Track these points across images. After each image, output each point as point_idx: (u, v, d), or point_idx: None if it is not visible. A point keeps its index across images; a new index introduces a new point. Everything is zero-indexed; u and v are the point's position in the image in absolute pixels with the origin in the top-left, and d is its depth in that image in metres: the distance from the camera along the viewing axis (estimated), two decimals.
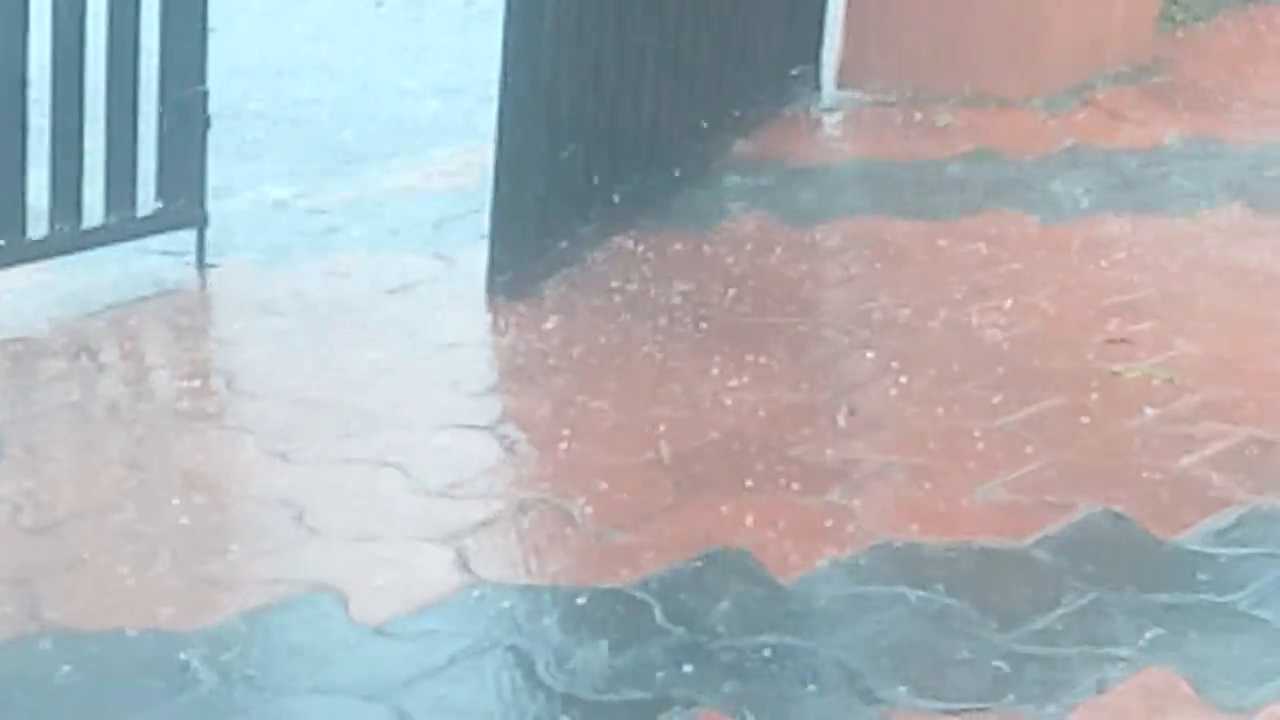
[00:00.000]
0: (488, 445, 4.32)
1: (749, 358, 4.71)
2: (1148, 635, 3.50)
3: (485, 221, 5.19)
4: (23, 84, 4.86)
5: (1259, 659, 3.43)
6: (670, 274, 5.25)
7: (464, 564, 3.75)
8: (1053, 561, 3.77)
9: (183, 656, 3.45)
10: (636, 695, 3.33)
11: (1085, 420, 4.38)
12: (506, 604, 3.63)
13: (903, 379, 4.60)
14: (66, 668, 3.44)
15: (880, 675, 3.39)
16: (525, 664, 3.42)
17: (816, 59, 6.79)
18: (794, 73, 6.65)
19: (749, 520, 3.93)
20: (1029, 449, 4.23)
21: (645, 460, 4.19)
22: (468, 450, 4.28)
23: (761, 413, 4.42)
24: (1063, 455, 4.20)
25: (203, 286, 5.25)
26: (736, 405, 4.46)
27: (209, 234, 5.33)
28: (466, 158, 6.20)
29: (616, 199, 5.51)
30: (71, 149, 4.98)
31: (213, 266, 5.31)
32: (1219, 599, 3.62)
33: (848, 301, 5.16)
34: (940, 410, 4.44)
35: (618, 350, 4.78)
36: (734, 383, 4.57)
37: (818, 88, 6.77)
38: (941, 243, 5.50)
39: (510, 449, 4.29)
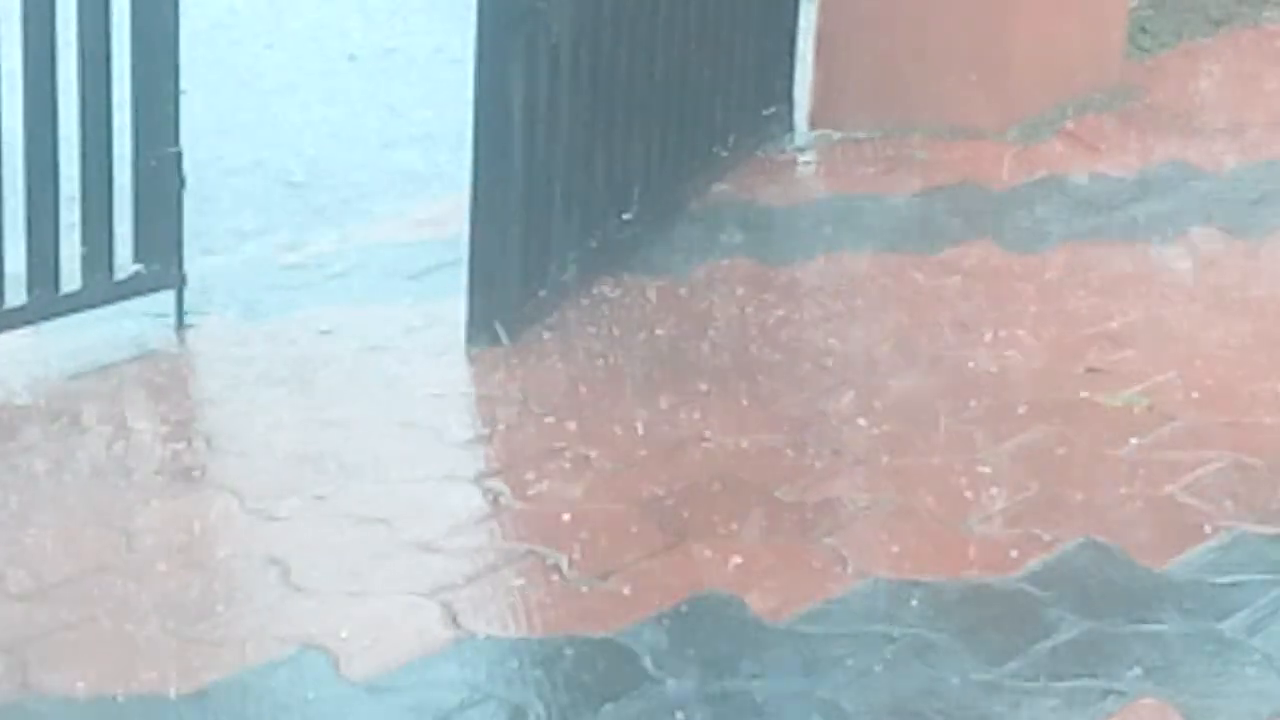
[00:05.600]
0: (471, 496, 4.31)
1: (731, 401, 4.72)
2: (1138, 666, 3.51)
3: (464, 271, 5.20)
4: None
5: (1250, 686, 3.44)
6: (650, 319, 5.25)
7: (452, 618, 3.75)
8: (1041, 594, 3.78)
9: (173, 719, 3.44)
10: None
11: (1069, 451, 4.39)
12: (496, 657, 3.62)
13: (885, 416, 4.61)
14: None
15: (873, 714, 3.39)
16: (518, 716, 3.42)
17: (789, 99, 6.81)
18: (767, 113, 6.66)
19: (735, 563, 3.93)
20: (1013, 482, 4.23)
21: (630, 506, 4.19)
22: (452, 502, 4.28)
23: (745, 455, 4.42)
24: (1047, 487, 4.21)
25: (182, 347, 5.25)
26: (720, 448, 4.47)
27: (188, 293, 5.33)
28: (444, 207, 6.20)
29: (593, 245, 5.52)
30: (47, 214, 4.98)
31: (192, 326, 5.31)
32: (1208, 627, 3.63)
33: (828, 340, 5.17)
34: (923, 446, 4.45)
35: (599, 397, 4.79)
36: (716, 425, 4.57)
37: (790, 128, 6.78)
38: (919, 277, 5.51)
39: (494, 500, 4.29)
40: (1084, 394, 4.68)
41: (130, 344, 5.22)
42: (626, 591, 3.83)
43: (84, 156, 5.07)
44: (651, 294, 5.43)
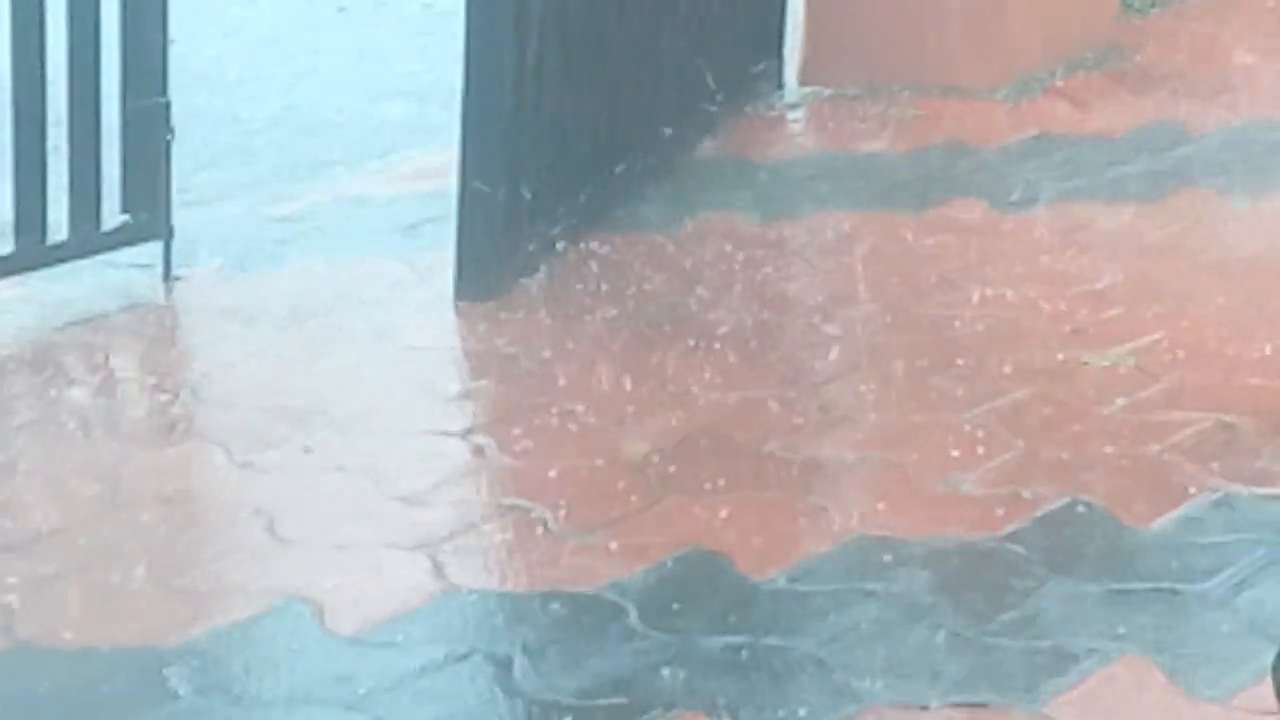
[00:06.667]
0: (458, 450, 4.32)
1: (718, 356, 4.72)
2: (1121, 625, 3.52)
3: (453, 225, 5.19)
4: None
5: (1232, 645, 3.45)
6: (638, 274, 5.25)
7: (438, 571, 3.75)
8: (1025, 553, 3.79)
9: (159, 670, 3.44)
10: (614, 700, 3.33)
11: (1054, 411, 4.40)
12: (482, 611, 3.63)
13: (872, 373, 4.61)
14: (42, 684, 3.44)
15: (856, 671, 3.40)
16: (502, 670, 3.43)
17: (778, 55, 6.79)
18: (756, 69, 6.65)
19: (721, 519, 3.94)
20: (999, 441, 4.24)
21: (617, 461, 4.19)
22: (439, 456, 4.28)
23: (732, 411, 4.43)
24: (1033, 446, 4.22)
25: (170, 298, 5.24)
26: (707, 404, 4.47)
27: (175, 244, 5.32)
28: (433, 161, 6.19)
29: (582, 200, 5.52)
30: (34, 165, 4.97)
31: (179, 278, 5.30)
32: (1192, 587, 3.64)
33: (815, 297, 5.17)
34: (910, 404, 4.45)
35: (587, 352, 4.79)
36: (704, 382, 4.57)
37: (780, 84, 6.77)
38: (908, 235, 5.51)
39: (481, 453, 4.29)
40: (1070, 354, 4.68)
41: (117, 295, 5.21)
42: (612, 547, 3.83)
43: (71, 107, 5.06)
44: (640, 249, 5.43)
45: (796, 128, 6.63)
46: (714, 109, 6.35)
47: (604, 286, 5.18)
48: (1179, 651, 3.43)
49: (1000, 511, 3.94)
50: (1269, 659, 2.98)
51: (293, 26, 8.33)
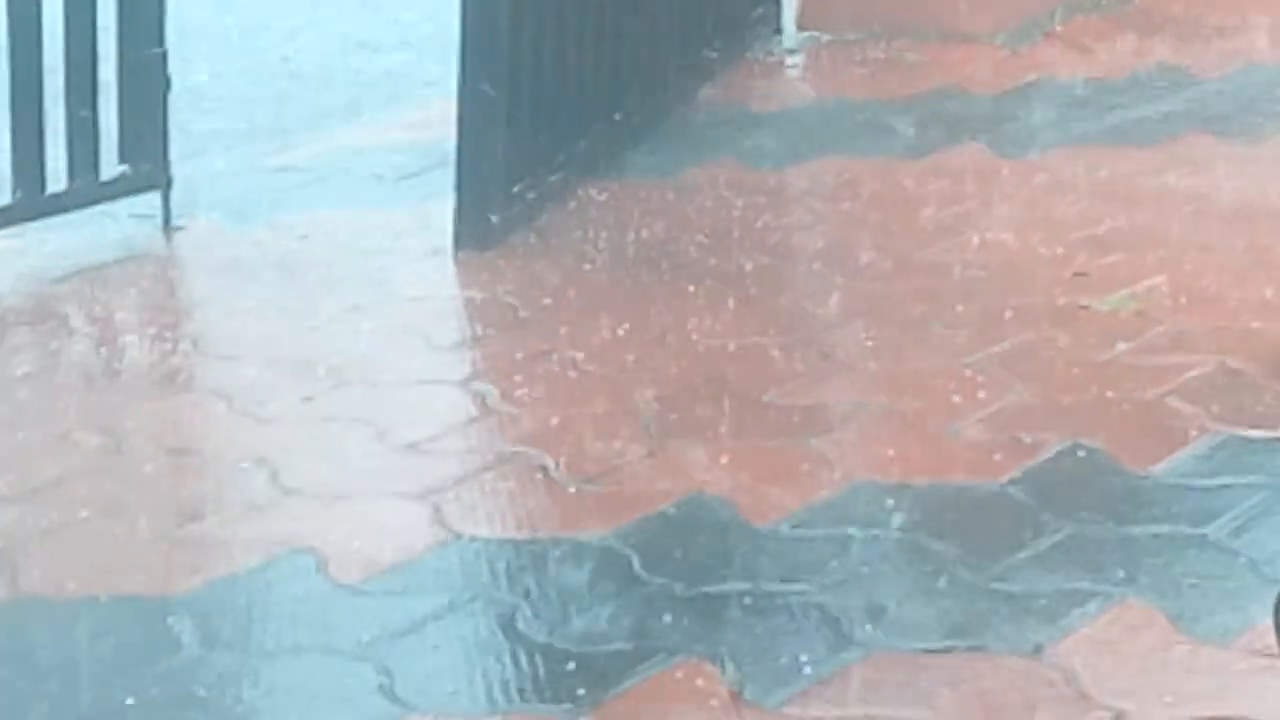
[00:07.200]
0: (460, 399, 4.32)
1: (719, 304, 4.71)
2: (1123, 569, 3.52)
3: (452, 174, 5.18)
4: None
5: (1234, 589, 3.45)
6: (637, 222, 5.24)
7: (441, 520, 3.76)
8: (1027, 498, 3.79)
9: (163, 621, 3.45)
10: (617, 646, 3.34)
11: (1056, 356, 4.39)
12: (484, 558, 3.63)
13: (872, 320, 4.61)
14: (46, 636, 3.44)
15: (859, 617, 3.40)
16: (506, 618, 3.43)
17: (776, 0, 6.78)
18: (755, 14, 6.63)
19: (723, 466, 3.94)
20: (1000, 386, 4.24)
21: (618, 409, 4.19)
22: (440, 405, 4.28)
23: (733, 358, 4.43)
24: (1034, 391, 4.22)
25: (170, 248, 5.24)
26: (708, 352, 4.47)
27: (174, 195, 5.31)
28: (431, 111, 6.18)
29: (581, 147, 5.51)
30: (32, 115, 4.96)
31: (179, 228, 5.30)
32: (1193, 530, 3.64)
33: (816, 244, 5.17)
34: (910, 350, 4.45)
35: (587, 300, 4.78)
36: (705, 329, 4.57)
37: (779, 29, 6.75)
38: (907, 182, 5.50)
39: (483, 402, 4.29)
40: (1071, 298, 4.68)
41: (117, 245, 5.21)
42: (614, 494, 3.84)
43: (69, 57, 5.05)
44: (639, 197, 5.42)
45: (795, 74, 6.62)
46: (713, 55, 6.33)
47: (603, 234, 5.18)
48: (1180, 595, 3.43)
49: (1001, 456, 3.94)
50: (1270, 601, 2.98)
51: None
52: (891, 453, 3.98)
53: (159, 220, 5.29)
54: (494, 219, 5.14)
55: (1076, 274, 4.82)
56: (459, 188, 5.15)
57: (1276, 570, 3.48)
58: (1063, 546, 3.61)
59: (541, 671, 3.29)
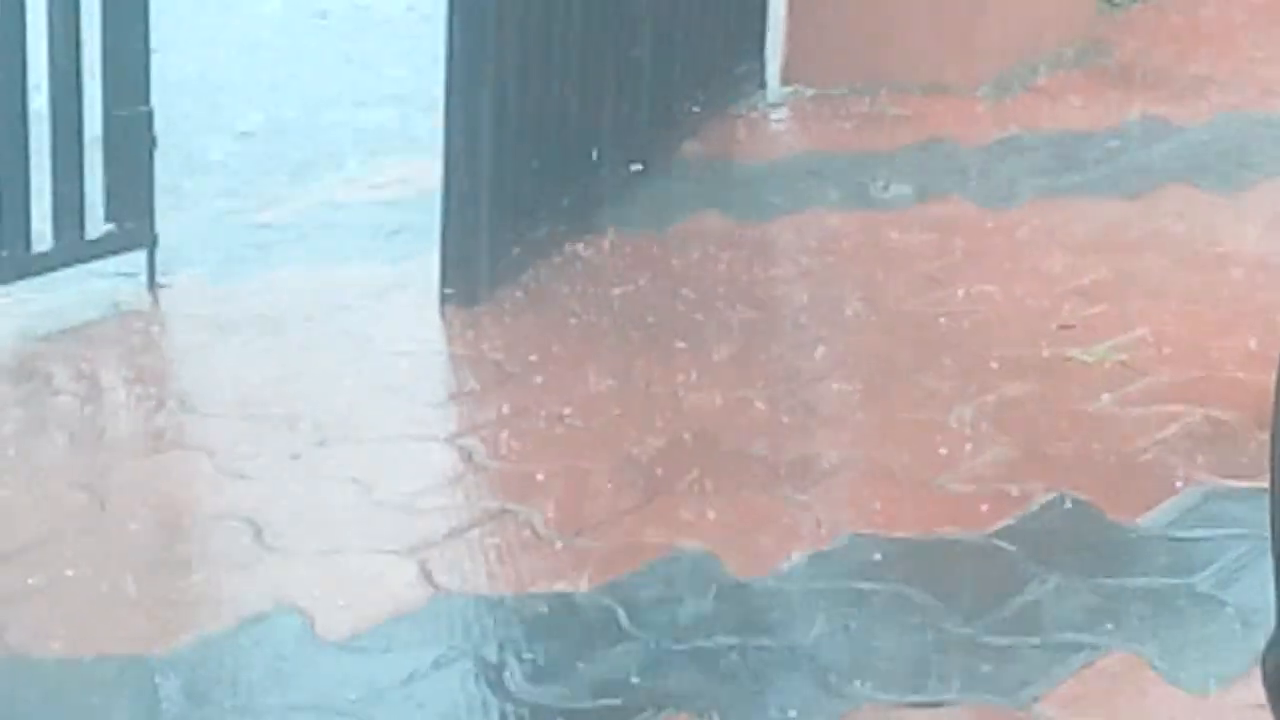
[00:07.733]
0: (446, 455, 4.31)
1: (704, 358, 4.72)
2: (1110, 620, 3.52)
3: (437, 230, 5.19)
4: None
5: (1222, 641, 3.45)
6: (622, 276, 5.25)
7: (428, 576, 3.75)
8: (1014, 550, 3.79)
9: (150, 680, 3.44)
10: (605, 702, 3.33)
11: (1041, 407, 4.40)
12: (472, 615, 3.63)
13: (858, 372, 4.62)
14: (32, 695, 3.43)
15: (846, 670, 3.40)
16: (493, 674, 3.43)
17: (760, 55, 6.80)
18: (739, 70, 6.66)
19: (710, 520, 3.94)
20: (986, 438, 4.24)
21: (604, 464, 4.19)
22: (426, 461, 4.28)
23: (719, 412, 4.43)
24: (1020, 443, 4.22)
25: (155, 306, 5.24)
26: (694, 406, 4.47)
27: (160, 252, 5.32)
28: (416, 166, 6.19)
29: (566, 203, 5.51)
30: (17, 174, 4.96)
31: (164, 286, 5.30)
32: (1180, 581, 3.64)
33: (801, 297, 5.17)
34: (896, 402, 4.46)
35: (573, 355, 4.79)
36: (690, 383, 4.58)
37: (762, 84, 6.78)
38: (892, 234, 5.52)
39: (468, 458, 4.29)
40: (1056, 350, 4.69)
41: (102, 303, 5.20)
42: (601, 548, 3.83)
43: (54, 116, 5.05)
44: (625, 251, 5.43)
45: (779, 128, 6.64)
46: (697, 110, 6.35)
47: (589, 289, 5.18)
48: (1168, 646, 3.43)
49: (988, 508, 3.94)
50: (1257, 651, 2.98)
51: (274, 33, 8.34)
52: (878, 505, 3.98)
53: (144, 278, 5.29)
54: (479, 274, 5.14)
55: (1062, 326, 4.83)
56: (444, 243, 5.16)
57: (1263, 620, 3.48)
58: (1050, 598, 3.61)
59: None
